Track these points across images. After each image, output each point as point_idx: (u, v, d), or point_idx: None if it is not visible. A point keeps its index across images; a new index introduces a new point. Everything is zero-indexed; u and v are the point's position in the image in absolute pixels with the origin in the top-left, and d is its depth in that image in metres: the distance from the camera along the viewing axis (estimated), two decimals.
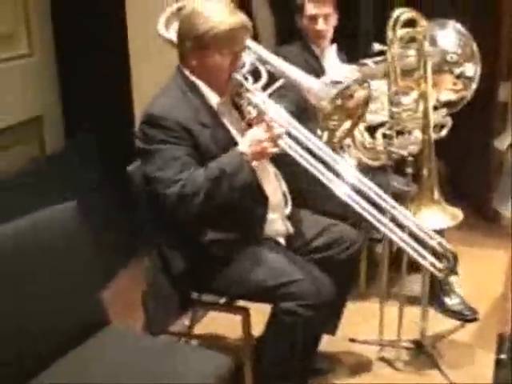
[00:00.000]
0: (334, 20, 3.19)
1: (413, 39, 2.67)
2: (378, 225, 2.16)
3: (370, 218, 2.15)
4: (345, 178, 2.18)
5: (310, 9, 3.15)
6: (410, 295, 3.07)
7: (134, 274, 2.69)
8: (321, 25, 3.15)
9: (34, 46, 3.41)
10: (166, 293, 2.34)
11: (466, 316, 3.11)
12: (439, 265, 2.16)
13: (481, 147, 3.94)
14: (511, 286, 3.27)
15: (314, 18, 3.15)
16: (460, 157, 4.19)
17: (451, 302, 3.15)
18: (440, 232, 3.01)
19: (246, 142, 2.22)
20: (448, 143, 3.26)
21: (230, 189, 2.19)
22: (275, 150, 2.21)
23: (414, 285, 3.12)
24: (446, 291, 3.17)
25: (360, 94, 2.37)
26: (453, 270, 2.20)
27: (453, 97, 3.14)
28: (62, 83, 3.59)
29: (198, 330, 2.89)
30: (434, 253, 2.20)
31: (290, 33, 3.91)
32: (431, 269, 2.16)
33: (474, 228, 3.92)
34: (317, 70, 3.08)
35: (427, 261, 2.17)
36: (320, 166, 2.18)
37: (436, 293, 3.15)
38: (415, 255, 2.17)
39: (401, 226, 2.20)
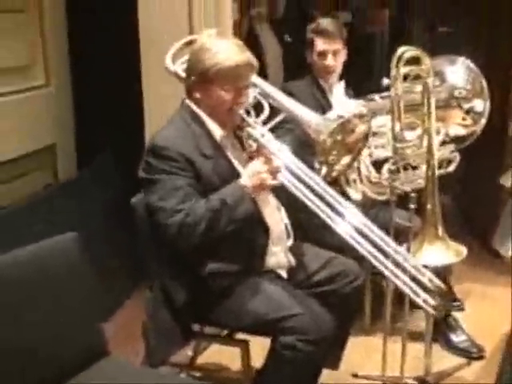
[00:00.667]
0: (343, 56, 3.22)
1: (418, 76, 2.70)
2: (369, 257, 2.17)
3: (360, 248, 2.16)
4: (344, 216, 2.20)
5: (320, 44, 3.18)
6: (415, 331, 3.07)
7: (138, 305, 2.71)
8: (330, 60, 3.17)
9: (51, 76, 3.48)
10: (166, 325, 2.35)
11: (472, 354, 3.08)
12: (432, 302, 2.15)
13: (490, 183, 3.92)
14: None
15: (323, 54, 3.18)
16: (470, 192, 4.18)
17: (457, 338, 3.13)
18: (447, 269, 3.04)
19: (247, 175, 2.26)
20: (458, 178, 3.28)
21: (231, 220, 2.22)
22: (274, 182, 2.25)
23: (419, 320, 3.10)
24: (451, 328, 3.15)
25: (360, 128, 2.39)
26: (447, 308, 2.18)
27: (462, 132, 3.17)
28: (76, 113, 3.66)
29: (201, 360, 2.90)
30: (428, 289, 2.20)
31: (298, 66, 3.98)
32: (424, 305, 2.15)
33: (483, 264, 3.91)
34: (324, 106, 3.12)
35: (420, 297, 2.16)
36: (319, 202, 2.20)
37: (441, 329, 3.13)
38: (408, 291, 2.16)
39: (397, 264, 2.21)
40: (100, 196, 3.50)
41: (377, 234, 2.23)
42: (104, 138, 3.61)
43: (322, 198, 2.23)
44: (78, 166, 3.70)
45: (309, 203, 2.22)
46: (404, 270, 2.21)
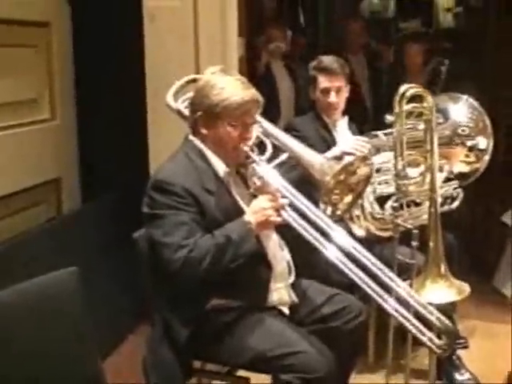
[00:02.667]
0: (345, 92, 3.24)
1: (421, 113, 2.72)
2: (375, 296, 2.16)
3: (366, 288, 2.16)
4: (344, 248, 2.20)
5: (323, 82, 3.20)
6: (419, 369, 3.04)
7: (141, 340, 2.70)
8: (333, 97, 3.19)
9: (56, 110, 3.52)
10: (167, 361, 2.33)
11: None
12: (438, 341, 2.14)
13: (496, 220, 3.92)
14: None
15: (326, 91, 3.19)
16: (476, 230, 4.17)
17: (461, 377, 3.10)
18: (451, 307, 3.02)
19: (251, 211, 2.27)
20: (463, 215, 3.28)
21: (236, 256, 2.22)
22: (278, 219, 2.25)
23: (423, 358, 3.08)
24: (455, 366, 3.12)
25: (362, 170, 2.41)
26: (452, 348, 2.16)
27: (465, 169, 3.18)
28: (81, 147, 3.69)
29: None
30: (433, 328, 2.18)
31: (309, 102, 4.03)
32: (429, 344, 2.13)
33: (488, 303, 3.89)
34: (328, 141, 3.14)
35: (426, 336, 2.14)
36: (321, 238, 2.20)
37: (445, 367, 3.10)
38: (413, 330, 2.15)
39: (400, 301, 2.19)
40: (104, 231, 3.51)
41: (384, 271, 2.22)
42: (108, 173, 3.63)
43: (326, 235, 2.23)
44: (83, 200, 3.71)
45: (311, 239, 2.21)
46: (407, 307, 2.20)
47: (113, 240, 3.41)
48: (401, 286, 2.20)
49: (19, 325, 1.99)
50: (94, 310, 2.28)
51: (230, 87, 2.33)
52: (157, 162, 3.23)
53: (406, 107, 2.58)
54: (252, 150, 2.38)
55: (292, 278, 2.47)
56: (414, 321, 2.15)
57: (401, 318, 2.16)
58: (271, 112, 3.65)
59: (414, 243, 2.53)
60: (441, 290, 2.55)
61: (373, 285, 2.16)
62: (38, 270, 2.14)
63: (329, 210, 2.38)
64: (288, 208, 2.26)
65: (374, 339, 3.25)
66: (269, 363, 2.24)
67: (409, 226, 2.55)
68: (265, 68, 4.41)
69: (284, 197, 2.27)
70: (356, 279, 2.17)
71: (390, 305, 2.16)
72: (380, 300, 2.17)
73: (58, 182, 3.56)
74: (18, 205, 3.27)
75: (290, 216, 2.25)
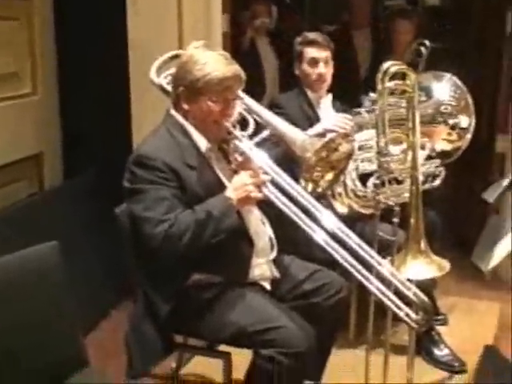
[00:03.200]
0: (331, 67, 3.23)
1: (404, 91, 2.72)
2: (352, 270, 2.18)
3: (345, 263, 2.17)
4: (325, 227, 2.21)
5: (311, 52, 3.19)
6: (399, 344, 3.07)
7: (124, 316, 2.71)
8: (321, 68, 3.18)
9: (38, 84, 3.49)
10: (148, 336, 2.34)
11: (454, 367, 3.09)
12: (414, 316, 2.16)
13: (477, 198, 3.95)
14: None
15: (314, 62, 3.18)
16: (458, 207, 4.20)
17: (440, 352, 3.14)
18: (431, 283, 3.05)
19: (232, 187, 2.27)
20: (445, 193, 3.29)
21: (216, 232, 2.22)
22: (259, 195, 2.26)
23: (403, 334, 3.11)
24: (434, 341, 3.16)
25: (344, 147, 2.42)
26: (430, 323, 2.18)
27: (447, 147, 3.19)
28: (63, 122, 3.66)
29: (185, 372, 2.89)
30: (411, 304, 2.20)
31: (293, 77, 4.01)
32: (406, 319, 2.15)
33: (469, 279, 3.93)
34: (311, 118, 3.14)
35: (402, 311, 2.16)
36: (302, 215, 2.21)
37: (424, 343, 3.14)
38: (391, 305, 2.17)
39: (379, 277, 2.21)
40: (86, 206, 3.50)
41: (362, 246, 2.24)
42: (91, 148, 3.61)
43: (306, 211, 2.24)
44: (65, 176, 3.69)
45: (292, 215, 2.22)
46: (388, 284, 2.22)
47: (95, 216, 3.41)
48: (379, 262, 2.22)
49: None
50: (77, 285, 2.29)
51: (213, 62, 2.32)
52: (140, 137, 3.20)
53: (389, 84, 2.57)
54: (234, 126, 2.38)
55: (274, 254, 2.47)
56: (392, 296, 2.18)
57: (379, 294, 2.18)
58: (256, 89, 3.64)
59: (396, 220, 2.55)
60: (421, 267, 2.55)
61: (353, 261, 2.18)
62: (20, 246, 2.14)
63: (310, 186, 2.38)
64: (269, 184, 2.26)
65: (355, 315, 3.27)
66: (249, 338, 2.25)
67: (390, 203, 2.56)
68: (249, 44, 4.39)
69: (265, 173, 2.27)
70: (336, 256, 2.19)
71: (369, 281, 2.18)
72: (360, 276, 2.19)
73: (40, 157, 3.55)
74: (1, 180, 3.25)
75: (271, 193, 2.26)
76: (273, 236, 2.49)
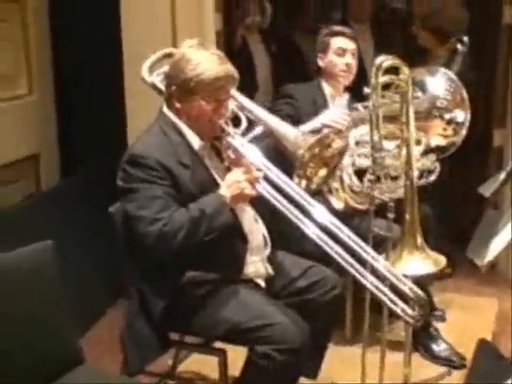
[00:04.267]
0: (356, 61, 3.22)
1: (399, 86, 2.71)
2: (346, 265, 2.18)
3: (338, 258, 2.18)
4: (319, 222, 2.21)
5: (339, 42, 3.19)
6: (396, 340, 3.06)
7: (120, 314, 2.72)
8: (349, 58, 3.18)
9: (34, 85, 3.51)
10: (143, 333, 2.35)
11: (453, 362, 3.09)
12: (410, 311, 2.15)
13: (473, 193, 3.94)
14: None
15: (342, 52, 3.18)
16: (453, 202, 4.19)
17: (438, 347, 3.13)
18: (427, 278, 3.04)
19: (226, 185, 2.28)
20: (441, 188, 3.27)
21: (210, 230, 2.23)
22: (253, 192, 2.26)
23: (400, 330, 3.10)
24: (432, 337, 3.15)
25: (337, 143, 2.41)
26: (426, 318, 2.17)
27: (443, 142, 3.17)
28: (60, 122, 3.67)
29: (182, 369, 2.90)
30: (407, 299, 2.20)
31: (285, 77, 4.00)
32: (402, 315, 2.15)
33: (469, 275, 3.92)
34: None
35: (398, 307, 2.16)
36: (296, 211, 2.21)
37: (422, 338, 3.13)
38: (386, 301, 2.17)
39: (374, 273, 2.21)
40: (83, 206, 3.50)
41: (356, 241, 2.24)
42: (87, 148, 3.61)
43: (300, 207, 2.24)
44: (62, 175, 3.70)
45: (285, 211, 2.22)
46: (383, 279, 2.22)
47: (92, 215, 3.40)
48: (375, 258, 2.22)
49: None
50: (73, 284, 2.30)
51: (206, 62, 2.31)
52: (135, 136, 3.21)
53: (382, 79, 2.56)
54: (227, 124, 2.38)
55: (268, 251, 2.48)
56: (388, 292, 2.18)
57: (374, 289, 2.18)
58: (248, 86, 3.63)
59: (391, 215, 2.55)
60: (417, 262, 2.54)
61: (346, 256, 2.18)
62: (16, 246, 2.15)
63: (303, 183, 2.38)
64: (263, 181, 2.26)
65: (351, 312, 3.27)
66: (244, 335, 2.25)
67: (385, 199, 2.55)
68: (241, 42, 4.38)
69: (258, 169, 2.27)
70: (330, 251, 2.19)
71: (365, 277, 2.18)
72: (355, 272, 2.19)
73: (37, 157, 3.55)
74: None
75: (264, 189, 2.26)
76: (266, 233, 2.49)
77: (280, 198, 2.24)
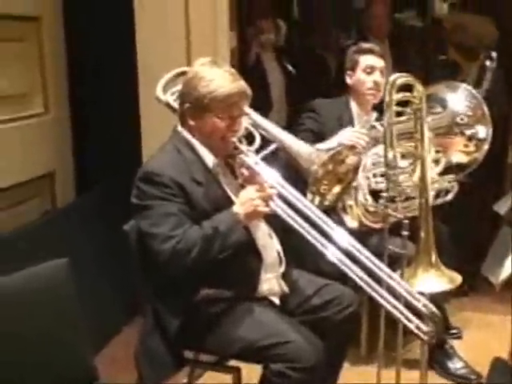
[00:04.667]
0: (385, 80, 3.15)
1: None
2: (361, 283, 2.17)
3: (358, 280, 2.16)
4: (336, 242, 2.20)
5: (368, 59, 3.17)
6: (412, 358, 3.04)
7: (136, 332, 2.72)
8: (377, 76, 3.16)
9: (49, 104, 3.53)
10: (158, 351, 2.34)
11: (470, 380, 3.06)
12: (425, 328, 2.14)
13: (489, 210, 3.91)
14: None
15: (370, 70, 3.16)
16: (471, 219, 4.16)
17: (454, 365, 3.10)
18: (442, 296, 3.02)
19: (239, 202, 2.28)
20: (457, 206, 3.25)
21: (223, 247, 2.23)
22: (266, 209, 2.25)
23: (416, 348, 3.08)
24: (448, 355, 3.13)
25: (351, 159, 2.41)
26: (440, 335, 2.15)
27: (464, 159, 3.15)
28: (75, 140, 3.70)
29: None
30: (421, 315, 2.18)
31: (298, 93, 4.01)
32: (416, 331, 2.13)
33: (485, 294, 3.89)
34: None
35: (413, 323, 2.15)
36: (311, 229, 2.20)
37: (438, 357, 3.10)
38: (400, 317, 2.15)
39: (390, 289, 2.20)
40: (98, 223, 3.52)
41: (371, 259, 2.23)
42: (102, 166, 3.63)
43: (314, 225, 2.24)
44: (77, 193, 3.72)
45: (300, 229, 2.22)
46: (398, 296, 2.20)
47: (107, 232, 3.41)
48: (390, 275, 2.21)
49: (10, 315, 2.00)
50: (89, 302, 2.30)
51: (218, 79, 2.33)
52: (150, 154, 3.24)
53: (396, 96, 2.56)
54: (240, 141, 2.38)
55: (282, 268, 2.47)
56: (402, 308, 2.16)
57: (389, 307, 2.16)
58: (263, 104, 3.64)
59: (405, 233, 2.54)
60: (432, 280, 2.53)
61: (365, 276, 2.17)
62: (33, 264, 2.16)
63: (317, 199, 2.38)
64: (276, 198, 2.26)
65: (367, 330, 3.24)
66: (258, 353, 2.24)
67: (399, 216, 2.54)
68: (255, 60, 4.40)
69: (272, 187, 2.27)
70: (349, 272, 2.18)
71: (381, 295, 2.17)
72: (371, 291, 2.17)
73: (53, 175, 3.57)
74: (13, 199, 3.28)
75: (278, 206, 2.26)
76: (281, 250, 2.49)
77: (293, 213, 2.23)
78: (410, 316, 2.16)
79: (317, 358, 2.25)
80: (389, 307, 2.17)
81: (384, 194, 2.66)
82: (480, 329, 3.57)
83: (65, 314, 2.13)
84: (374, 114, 3.25)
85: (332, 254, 2.20)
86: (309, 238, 2.21)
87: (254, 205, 2.25)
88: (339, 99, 3.27)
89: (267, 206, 2.26)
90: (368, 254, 2.22)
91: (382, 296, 2.18)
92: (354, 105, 3.23)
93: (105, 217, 3.49)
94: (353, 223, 2.96)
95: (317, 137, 3.00)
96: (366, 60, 3.19)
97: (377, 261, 2.23)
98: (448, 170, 3.09)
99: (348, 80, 3.24)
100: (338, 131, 3.02)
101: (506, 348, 3.28)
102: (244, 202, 2.26)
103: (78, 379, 2.11)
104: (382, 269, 2.22)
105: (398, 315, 2.17)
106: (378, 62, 3.19)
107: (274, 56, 4.54)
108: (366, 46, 3.25)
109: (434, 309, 2.17)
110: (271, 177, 2.30)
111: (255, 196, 2.25)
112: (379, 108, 3.22)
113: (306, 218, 2.24)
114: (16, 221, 3.24)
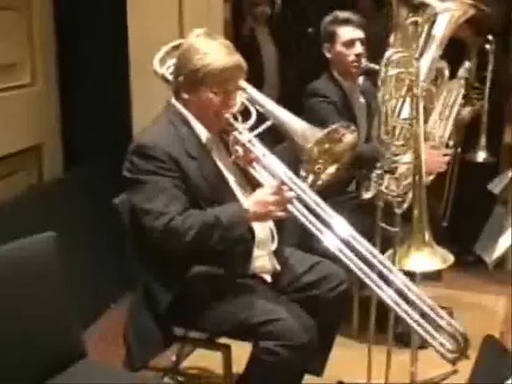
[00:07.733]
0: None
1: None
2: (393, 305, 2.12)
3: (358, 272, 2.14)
4: (337, 232, 2.17)
5: (347, 32, 3.05)
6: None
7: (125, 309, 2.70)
8: (359, 48, 3.04)
9: (37, 75, 3.47)
10: (147, 328, 2.32)
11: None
12: (449, 345, 2.07)
13: (484, 191, 3.90)
14: None
15: (351, 43, 3.05)
16: (468, 200, 4.15)
17: None
18: (437, 275, 3.00)
19: (254, 200, 2.21)
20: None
21: (223, 239, 2.19)
22: (282, 214, 2.19)
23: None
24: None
25: (347, 138, 2.35)
26: (463, 353, 2.08)
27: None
28: (63, 113, 3.63)
29: (186, 364, 2.87)
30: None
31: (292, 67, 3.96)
32: (441, 349, 2.06)
33: (477, 273, 3.90)
34: (348, 106, 3.06)
35: (437, 341, 2.07)
36: (314, 219, 2.16)
37: None
38: (424, 335, 2.08)
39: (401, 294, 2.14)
40: (87, 197, 3.47)
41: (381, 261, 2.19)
42: (91, 139, 3.58)
43: (311, 210, 2.19)
44: (65, 167, 3.66)
45: (299, 216, 2.17)
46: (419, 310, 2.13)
47: (97, 206, 3.36)
48: (412, 290, 2.15)
49: None
50: (77, 277, 2.26)
51: (214, 52, 2.27)
52: (140, 127, 3.19)
53: (392, 72, 2.51)
54: (236, 118, 2.33)
55: (274, 246, 2.44)
56: (426, 325, 2.08)
57: (410, 321, 2.09)
58: (255, 79, 3.59)
59: (397, 211, 2.51)
60: (425, 259, 2.51)
61: (372, 275, 2.14)
62: (19, 238, 2.11)
63: (310, 178, 2.32)
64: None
65: (358, 309, 3.24)
66: (249, 330, 2.22)
67: (393, 193, 2.51)
68: (249, 33, 4.34)
69: (291, 189, 2.19)
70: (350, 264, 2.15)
71: (402, 308, 2.11)
72: (396, 307, 2.11)
73: (40, 148, 3.52)
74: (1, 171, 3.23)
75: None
76: (273, 227, 2.45)
77: (301, 208, 2.18)
78: (434, 333, 2.08)
79: (307, 336, 2.23)
80: (412, 324, 2.09)
81: (377, 171, 2.63)
82: (470, 308, 3.56)
83: (53, 289, 2.09)
84: (361, 78, 3.17)
85: (336, 248, 2.17)
86: (311, 229, 2.16)
87: (268, 209, 2.18)
88: (324, 77, 3.17)
89: (283, 210, 2.18)
90: (377, 252, 2.18)
91: (405, 311, 2.10)
92: (340, 79, 3.13)
93: (93, 191, 3.44)
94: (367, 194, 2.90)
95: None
96: (344, 33, 3.06)
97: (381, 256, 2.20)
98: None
99: (327, 54, 3.12)
100: (342, 109, 2.96)
101: (497, 328, 3.30)
102: (258, 201, 2.19)
103: (66, 355, 2.07)
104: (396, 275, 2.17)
105: (422, 333, 2.08)
106: (358, 33, 3.05)
107: (268, 30, 4.47)
108: (343, 15, 3.09)
109: (459, 326, 2.10)
110: (264, 154, 2.25)
111: (271, 200, 2.17)
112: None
113: (310, 209, 2.18)
114: (2, 194, 3.19)
